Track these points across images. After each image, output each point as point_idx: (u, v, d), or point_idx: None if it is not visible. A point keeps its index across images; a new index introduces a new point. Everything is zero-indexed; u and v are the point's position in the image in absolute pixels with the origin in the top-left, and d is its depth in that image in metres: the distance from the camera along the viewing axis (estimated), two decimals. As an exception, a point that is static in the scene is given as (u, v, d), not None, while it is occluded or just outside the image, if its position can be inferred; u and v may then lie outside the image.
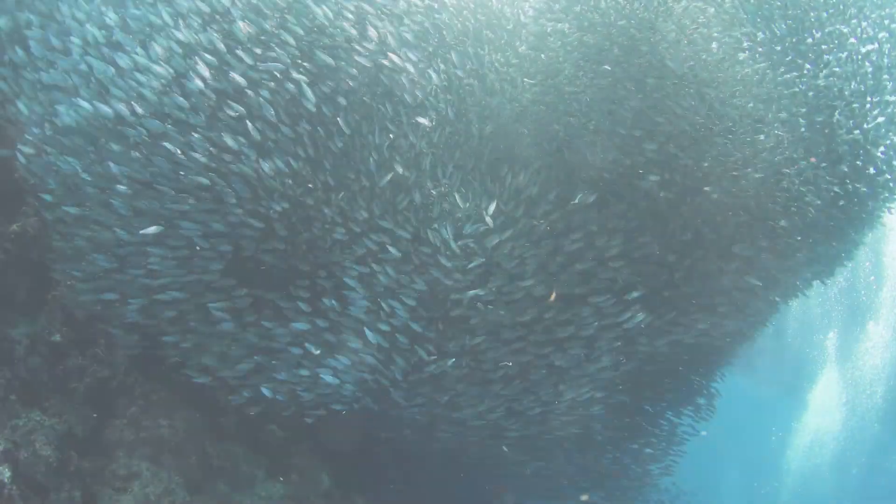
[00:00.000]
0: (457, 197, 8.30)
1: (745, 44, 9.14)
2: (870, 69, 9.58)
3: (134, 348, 8.63)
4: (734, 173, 8.87)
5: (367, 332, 8.45)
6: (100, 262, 8.04)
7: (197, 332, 8.44)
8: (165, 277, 8.08)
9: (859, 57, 9.49)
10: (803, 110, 9.23)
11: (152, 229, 7.62)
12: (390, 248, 8.28)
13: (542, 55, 8.61)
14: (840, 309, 23.47)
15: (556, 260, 8.76)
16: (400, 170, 8.12)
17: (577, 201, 8.55)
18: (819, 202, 9.59)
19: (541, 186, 8.63)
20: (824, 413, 31.89)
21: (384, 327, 8.56)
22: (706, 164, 8.79)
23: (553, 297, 8.77)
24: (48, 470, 7.30)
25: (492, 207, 8.15)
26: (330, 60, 7.88)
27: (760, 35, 9.36)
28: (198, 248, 7.99)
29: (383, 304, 8.48)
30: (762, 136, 8.88)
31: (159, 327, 8.46)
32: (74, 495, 7.41)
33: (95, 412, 8.36)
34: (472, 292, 8.55)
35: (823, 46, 9.31)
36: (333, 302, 8.50)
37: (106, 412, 8.49)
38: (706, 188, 8.92)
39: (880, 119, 9.62)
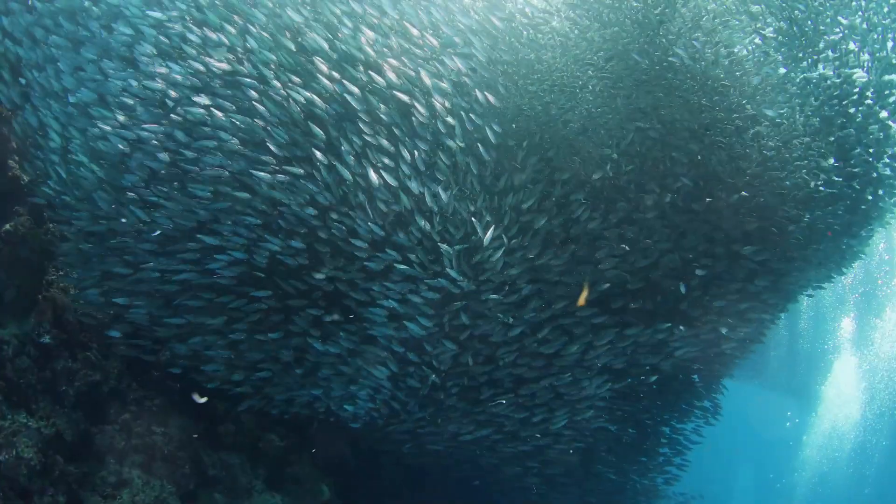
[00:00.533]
0: (474, 221, 8.08)
1: (761, 35, 8.81)
2: (882, 63, 9.28)
3: (139, 352, 8.59)
4: (748, 174, 8.60)
5: (383, 367, 8.58)
6: (111, 267, 8.11)
7: (204, 338, 8.49)
8: (176, 282, 8.16)
9: (870, 52, 9.18)
10: (815, 105, 8.92)
11: (155, 233, 7.79)
12: (400, 266, 8.16)
13: (545, 56, 8.27)
14: (855, 296, 23.16)
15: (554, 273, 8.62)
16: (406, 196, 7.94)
17: (578, 214, 8.40)
18: (829, 198, 9.36)
19: (541, 198, 8.45)
20: (842, 401, 31.66)
21: (398, 348, 8.56)
22: (720, 167, 8.54)
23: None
24: (30, 473, 7.14)
25: (490, 233, 8.00)
26: (356, 90, 7.75)
27: (774, 25, 9.00)
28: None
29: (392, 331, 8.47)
30: (774, 133, 8.58)
31: (166, 331, 8.51)
32: (59, 500, 7.28)
33: (86, 417, 8.21)
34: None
35: (833, 37, 8.96)
36: (333, 316, 8.49)
37: (97, 417, 8.36)
38: (720, 190, 8.69)
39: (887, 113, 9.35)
